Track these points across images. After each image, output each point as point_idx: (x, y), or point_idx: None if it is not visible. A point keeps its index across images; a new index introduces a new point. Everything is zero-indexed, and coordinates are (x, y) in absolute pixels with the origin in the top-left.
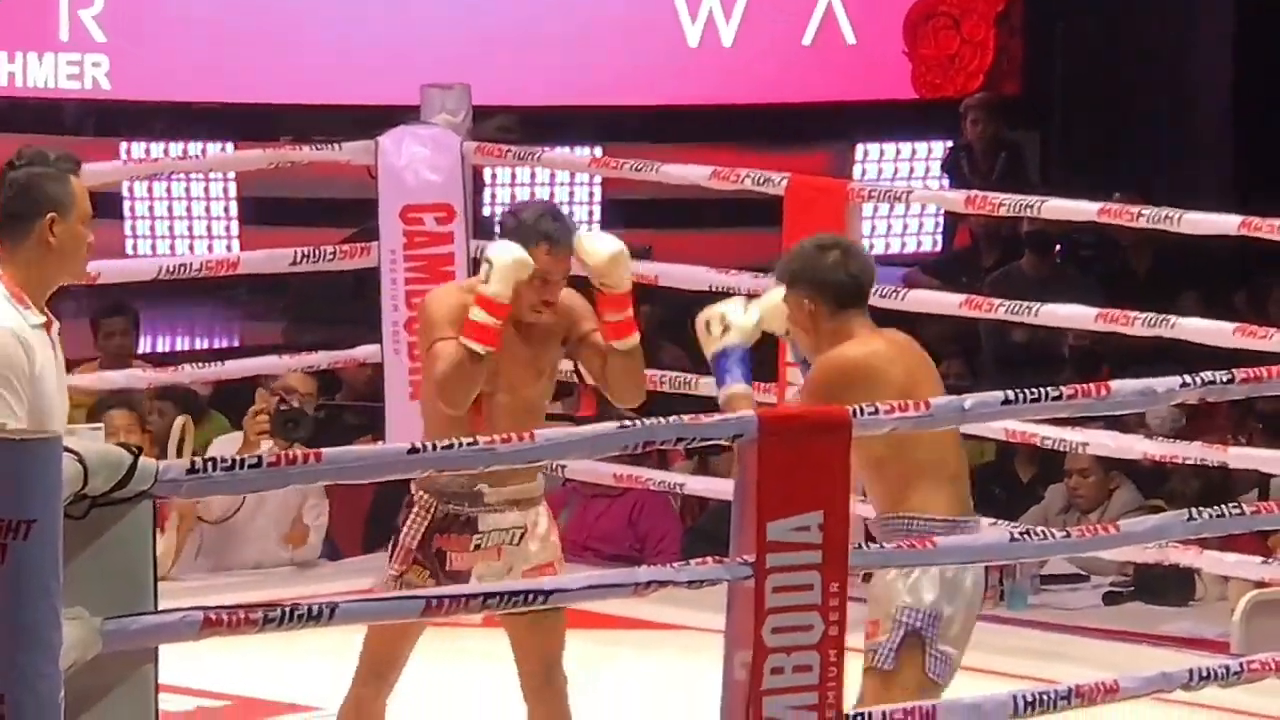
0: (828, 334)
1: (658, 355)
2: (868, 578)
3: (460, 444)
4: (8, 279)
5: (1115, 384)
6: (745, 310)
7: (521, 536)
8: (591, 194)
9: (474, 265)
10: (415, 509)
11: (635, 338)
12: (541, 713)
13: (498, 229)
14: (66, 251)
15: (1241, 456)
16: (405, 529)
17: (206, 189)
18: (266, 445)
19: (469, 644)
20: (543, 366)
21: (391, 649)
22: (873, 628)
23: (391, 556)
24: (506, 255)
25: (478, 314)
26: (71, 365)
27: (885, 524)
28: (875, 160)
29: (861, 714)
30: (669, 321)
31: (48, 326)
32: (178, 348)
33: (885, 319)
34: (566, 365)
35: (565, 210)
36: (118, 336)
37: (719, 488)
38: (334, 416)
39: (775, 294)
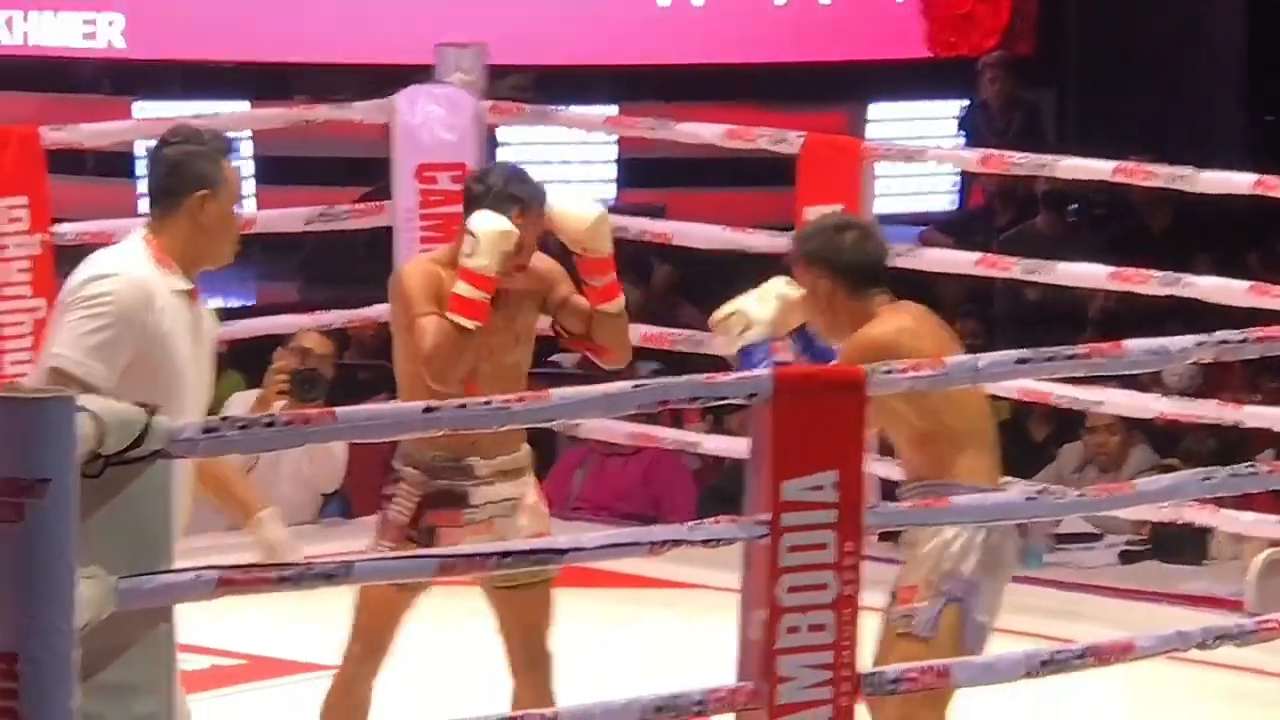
0: (847, 313)
1: (674, 313)
2: (886, 537)
3: (475, 404)
4: (157, 245)
5: (1129, 343)
6: (760, 304)
7: (514, 508)
8: (606, 153)
9: None
10: (403, 485)
11: (621, 300)
12: (526, 692)
13: (466, 195)
14: (214, 232)
15: (1257, 415)
16: (394, 506)
17: None
18: (280, 404)
19: (482, 603)
20: (520, 331)
21: (380, 628)
22: (909, 592)
23: (380, 534)
24: (491, 227)
25: (464, 289)
26: None
27: (925, 488)
28: (890, 119)
29: (876, 673)
30: (685, 279)
31: (192, 295)
32: None
33: (900, 278)
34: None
35: (581, 170)
36: None
37: (734, 447)
38: (345, 375)
39: (781, 286)
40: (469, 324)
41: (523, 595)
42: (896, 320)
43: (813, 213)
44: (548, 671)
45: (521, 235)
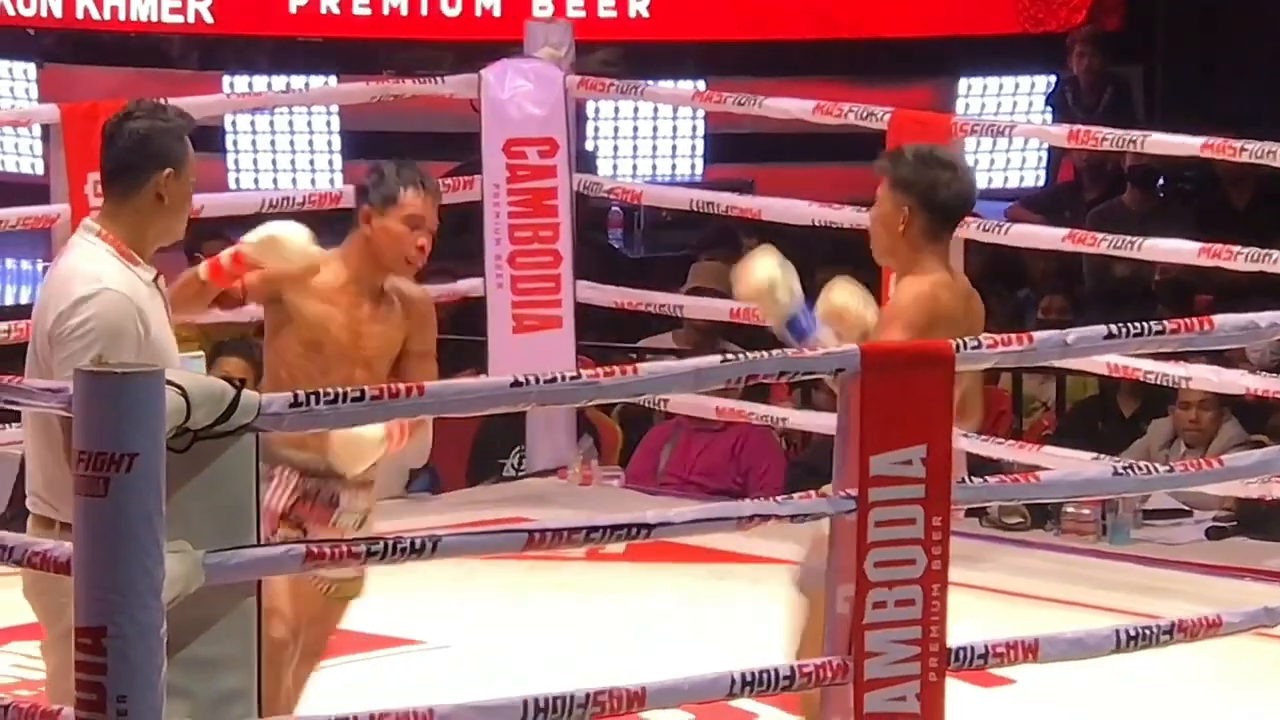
0: (909, 244)
1: None
2: (973, 513)
3: (564, 376)
4: (113, 237)
5: (1218, 318)
6: (785, 269)
7: (362, 523)
8: (694, 128)
9: (576, 199)
10: (276, 480)
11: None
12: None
13: (359, 188)
14: (175, 209)
15: None
16: (269, 496)
17: (309, 123)
18: None
19: (569, 577)
20: (392, 354)
21: (308, 622)
22: None
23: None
24: (295, 244)
25: (223, 255)
26: None
27: None
28: (979, 95)
29: (965, 647)
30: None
31: (157, 279)
32: None
33: (989, 253)
34: None
35: (668, 145)
36: None
37: (822, 422)
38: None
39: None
40: (203, 276)
41: (343, 606)
42: (933, 277)
43: None
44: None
45: (421, 215)
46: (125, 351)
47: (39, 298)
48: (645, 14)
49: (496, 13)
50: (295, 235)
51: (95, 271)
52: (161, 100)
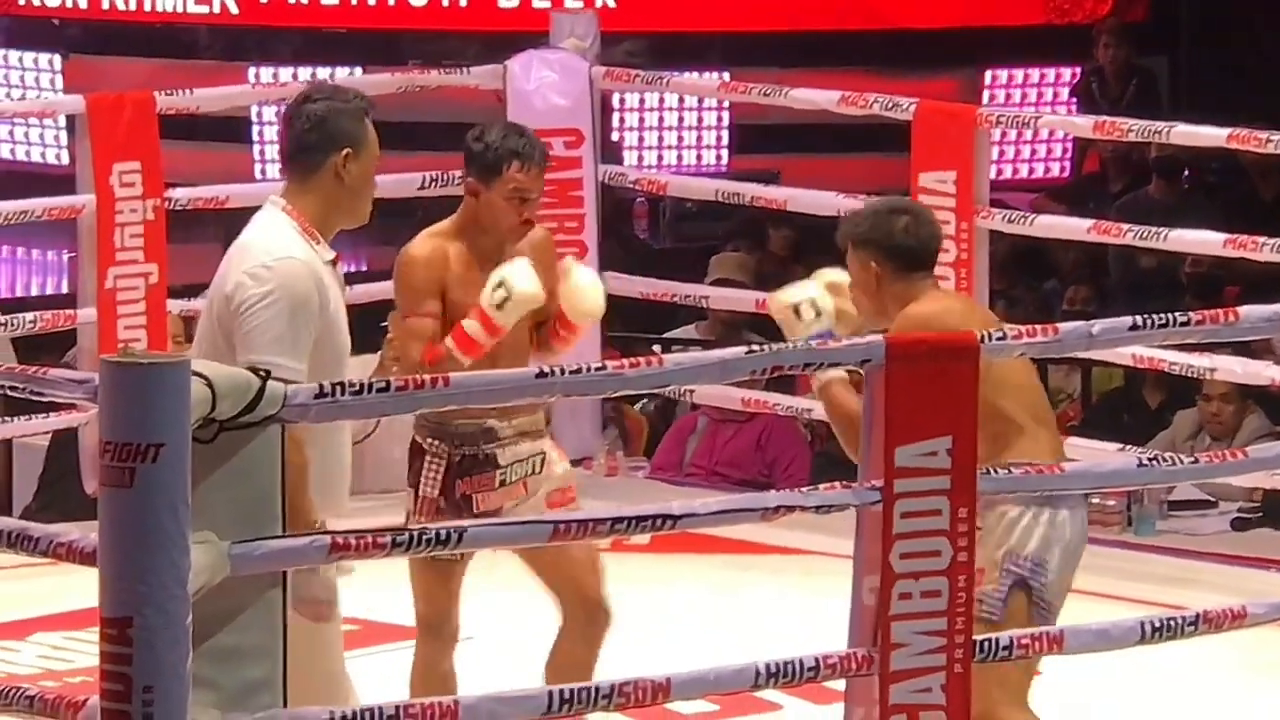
0: (892, 297)
1: (792, 276)
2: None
3: (589, 368)
4: (299, 214)
5: (1244, 309)
6: (823, 293)
7: (543, 463)
8: (719, 119)
9: (601, 190)
10: (428, 458)
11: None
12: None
13: (465, 156)
14: (356, 190)
15: None
16: (423, 481)
17: None
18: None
19: (634, 568)
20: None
21: (437, 606)
22: (977, 575)
23: (415, 510)
24: (528, 288)
25: (474, 329)
26: (199, 289)
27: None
28: (1004, 85)
29: (989, 639)
30: (802, 244)
31: (335, 263)
32: None
33: (1014, 244)
34: None
35: (694, 135)
36: None
37: None
38: None
39: (836, 274)
40: (464, 360)
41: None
42: (943, 301)
43: (927, 179)
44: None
45: (525, 189)
46: (309, 322)
47: (220, 268)
48: (671, 4)
49: (521, 3)
50: (528, 281)
51: (278, 241)
52: (340, 85)
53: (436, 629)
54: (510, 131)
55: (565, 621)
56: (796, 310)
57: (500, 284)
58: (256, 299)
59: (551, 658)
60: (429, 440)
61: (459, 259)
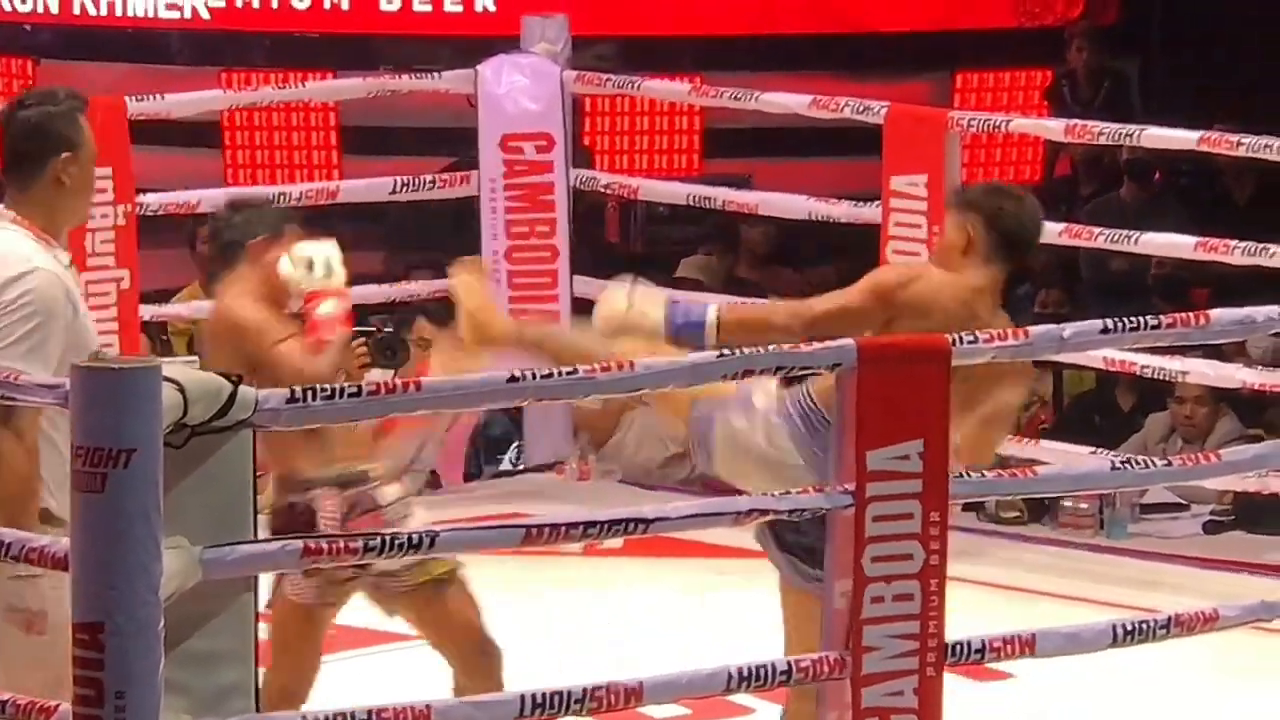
0: (966, 263)
1: (776, 276)
2: (970, 508)
3: (560, 373)
4: (28, 223)
5: (1215, 313)
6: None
7: (408, 505)
8: (691, 123)
9: (572, 194)
10: (321, 500)
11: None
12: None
13: (218, 238)
14: (78, 191)
15: None
16: (322, 519)
17: (307, 118)
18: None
19: (567, 572)
20: None
21: (297, 670)
22: None
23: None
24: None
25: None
26: (170, 293)
27: None
28: (975, 89)
29: (962, 641)
30: (781, 245)
31: (72, 263)
32: None
33: None
34: None
35: (665, 140)
36: None
37: None
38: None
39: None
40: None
41: (426, 593)
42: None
43: (898, 182)
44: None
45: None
46: (58, 330)
47: None
48: (642, 8)
49: (493, 8)
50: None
51: (22, 252)
52: (54, 88)
53: (287, 677)
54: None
55: (463, 669)
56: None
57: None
58: (4, 307)
59: None
60: (316, 490)
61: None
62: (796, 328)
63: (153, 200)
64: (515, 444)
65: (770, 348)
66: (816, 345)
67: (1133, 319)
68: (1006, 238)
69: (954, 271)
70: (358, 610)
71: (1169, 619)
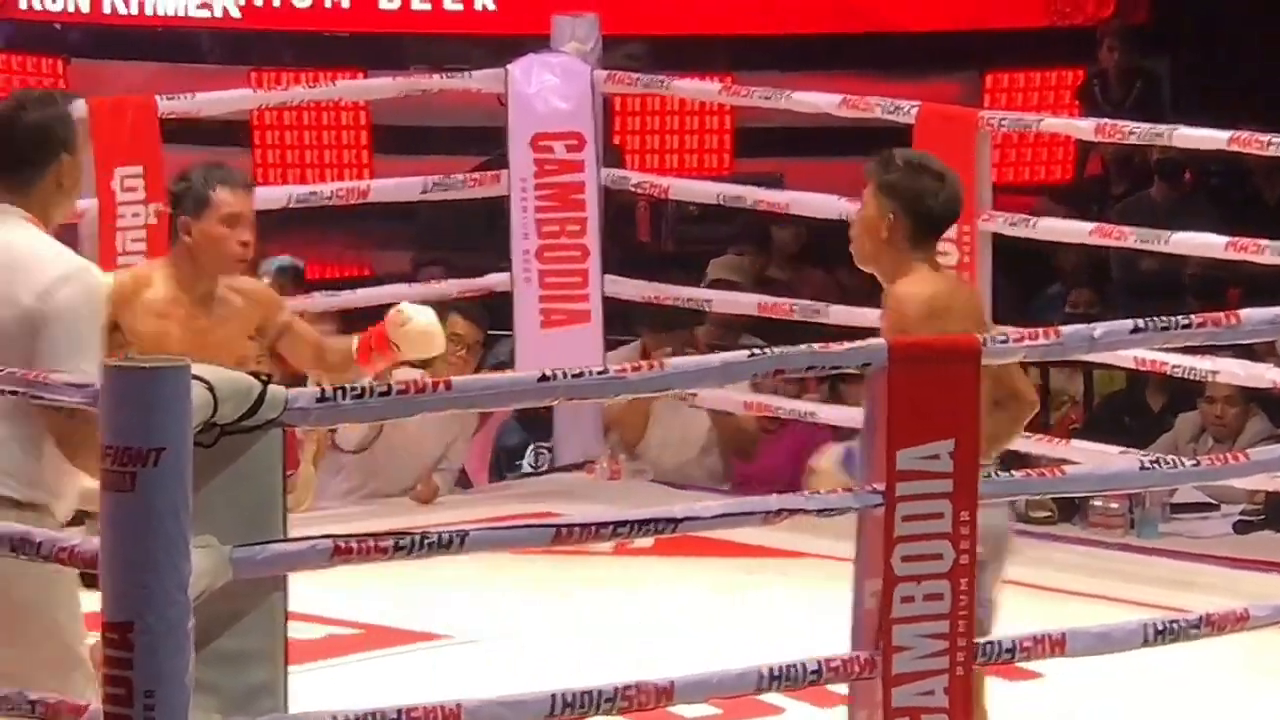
0: (893, 254)
1: (807, 277)
2: None
3: (592, 371)
4: (40, 224)
5: (1245, 312)
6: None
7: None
8: (721, 122)
9: (603, 193)
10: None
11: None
12: None
13: (171, 199)
14: (72, 192)
15: None
16: None
17: (337, 117)
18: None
19: (597, 572)
20: (245, 356)
21: None
22: None
23: None
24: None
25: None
26: None
27: None
28: (1005, 89)
29: (991, 642)
30: (811, 245)
31: None
32: (308, 276)
33: (1017, 247)
34: None
35: (696, 139)
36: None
37: (850, 416)
38: None
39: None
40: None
41: None
42: (933, 284)
43: None
44: None
45: (236, 210)
46: (100, 330)
47: None
48: (672, 8)
49: (523, 7)
50: (431, 323)
51: (60, 249)
52: (50, 90)
53: None
54: (210, 164)
55: None
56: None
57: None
58: (64, 305)
59: None
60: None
61: (159, 289)
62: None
63: None
64: (531, 448)
65: (802, 347)
66: (847, 345)
67: (1163, 319)
68: (931, 221)
69: (881, 260)
70: (387, 610)
71: (1200, 619)
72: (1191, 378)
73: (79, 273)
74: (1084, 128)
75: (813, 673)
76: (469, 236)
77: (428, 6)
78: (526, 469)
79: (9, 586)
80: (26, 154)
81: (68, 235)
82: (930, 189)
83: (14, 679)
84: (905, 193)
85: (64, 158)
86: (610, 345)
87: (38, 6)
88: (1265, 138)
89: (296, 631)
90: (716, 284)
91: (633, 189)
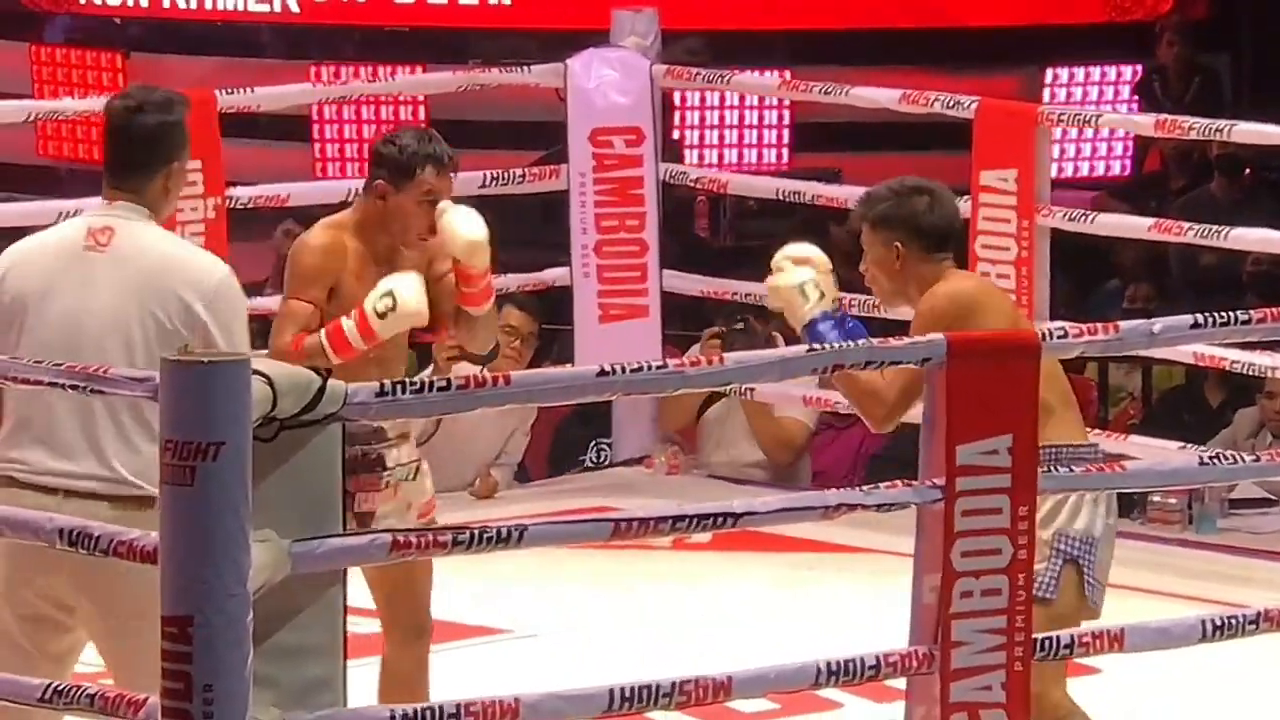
0: (915, 277)
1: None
2: None
3: (650, 366)
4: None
5: None
6: (821, 272)
7: (417, 471)
8: (780, 117)
9: (662, 188)
10: None
11: (488, 305)
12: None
13: (375, 159)
14: (175, 197)
15: None
16: None
17: (396, 112)
18: (458, 368)
19: (655, 566)
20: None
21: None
22: None
23: None
24: (413, 304)
25: (350, 330)
26: (259, 286)
27: None
28: (1064, 84)
29: (1050, 637)
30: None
31: None
32: None
33: (1076, 242)
34: None
35: (754, 134)
36: None
37: (912, 413)
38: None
39: (813, 251)
40: (333, 358)
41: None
42: (972, 279)
43: (988, 177)
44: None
45: (438, 191)
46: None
47: (145, 282)
48: (732, 3)
49: (583, 2)
50: (415, 297)
51: (205, 251)
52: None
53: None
54: (424, 135)
55: (393, 637)
56: (802, 291)
57: (388, 293)
58: (229, 306)
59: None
60: None
61: (355, 255)
62: (893, 398)
63: (242, 193)
64: (593, 444)
65: (861, 342)
66: (907, 340)
67: (1223, 314)
68: (936, 236)
69: (907, 289)
70: (446, 604)
71: (1258, 614)
72: (1250, 373)
73: (230, 276)
74: (1144, 123)
75: (870, 668)
76: (529, 231)
77: (488, 0)
78: (588, 464)
79: (124, 587)
80: (140, 156)
81: None
82: (922, 206)
83: (124, 676)
84: (900, 218)
85: (174, 165)
86: (668, 340)
87: (97, 1)
88: None
89: (355, 626)
90: None
91: (691, 184)
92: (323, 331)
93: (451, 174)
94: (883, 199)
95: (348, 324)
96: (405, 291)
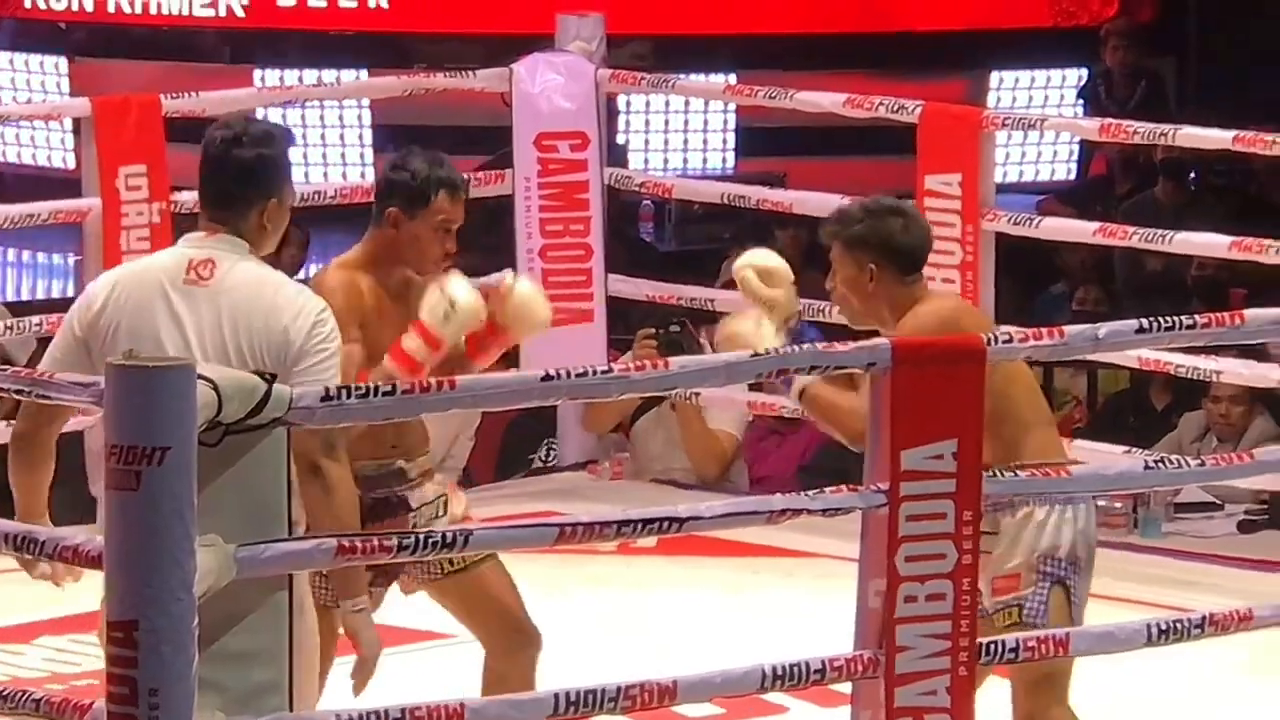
0: (887, 298)
1: (807, 277)
2: None
3: (595, 371)
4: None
5: (1250, 313)
6: (786, 294)
7: (445, 505)
8: (725, 121)
9: (607, 193)
10: None
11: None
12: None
13: (385, 187)
14: (276, 232)
15: None
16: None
17: (341, 117)
18: None
19: (600, 571)
20: None
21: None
22: (1011, 580)
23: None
24: (470, 300)
25: (415, 346)
26: None
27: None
28: (1010, 88)
29: (994, 642)
30: (814, 245)
31: None
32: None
33: (1020, 246)
34: None
35: (699, 138)
36: (292, 247)
37: None
38: None
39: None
40: (405, 380)
41: (470, 575)
42: (950, 300)
43: (933, 181)
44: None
45: (452, 219)
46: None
47: (222, 315)
48: (677, 7)
49: (527, 6)
50: (469, 294)
51: (302, 287)
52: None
53: None
54: (434, 160)
55: (494, 652)
56: (758, 333)
57: (443, 298)
58: (322, 340)
59: (485, 689)
60: None
61: (371, 293)
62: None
63: (188, 198)
64: (545, 442)
65: (806, 347)
66: (852, 345)
67: (1168, 319)
68: (910, 258)
69: (878, 311)
70: (391, 609)
71: (1203, 618)
72: (1196, 377)
73: (326, 311)
74: (1089, 127)
75: (816, 672)
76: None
77: (432, 5)
78: (538, 464)
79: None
80: (234, 189)
81: (72, 235)
82: (896, 227)
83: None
84: (876, 240)
85: (271, 201)
86: (613, 344)
87: (41, 5)
88: (1270, 137)
89: (391, 618)
90: (731, 285)
91: (637, 188)
92: (385, 358)
93: (464, 199)
94: (856, 219)
95: (410, 343)
96: (459, 291)
